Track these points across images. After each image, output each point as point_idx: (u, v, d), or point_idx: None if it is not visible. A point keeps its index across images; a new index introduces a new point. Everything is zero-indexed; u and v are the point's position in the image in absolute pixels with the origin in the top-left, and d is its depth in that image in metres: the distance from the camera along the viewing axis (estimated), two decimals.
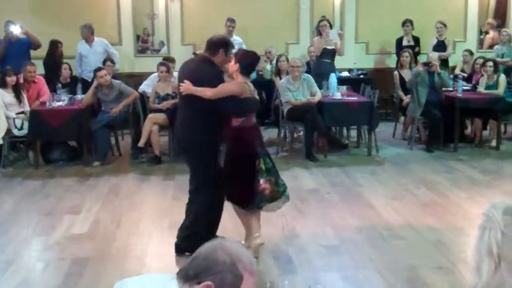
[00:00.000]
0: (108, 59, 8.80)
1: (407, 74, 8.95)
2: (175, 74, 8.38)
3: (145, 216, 5.79)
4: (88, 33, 9.19)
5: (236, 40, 9.98)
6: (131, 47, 10.58)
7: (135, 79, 9.67)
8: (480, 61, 9.10)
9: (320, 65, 9.24)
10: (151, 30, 11.37)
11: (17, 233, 5.35)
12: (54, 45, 9.23)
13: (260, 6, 10.63)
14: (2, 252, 4.91)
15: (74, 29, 9.45)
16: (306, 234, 5.14)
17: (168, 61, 8.42)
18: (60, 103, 7.76)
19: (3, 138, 7.55)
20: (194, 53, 9.86)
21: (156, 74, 8.48)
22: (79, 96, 8.17)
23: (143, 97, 8.17)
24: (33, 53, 9.06)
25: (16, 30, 8.87)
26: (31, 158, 7.84)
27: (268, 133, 9.06)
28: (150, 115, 7.77)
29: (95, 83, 7.81)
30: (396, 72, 9.28)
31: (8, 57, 8.66)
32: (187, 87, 4.47)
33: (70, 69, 8.92)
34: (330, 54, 9.25)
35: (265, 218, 5.55)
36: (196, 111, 4.53)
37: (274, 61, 9.71)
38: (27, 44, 8.92)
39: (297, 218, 5.56)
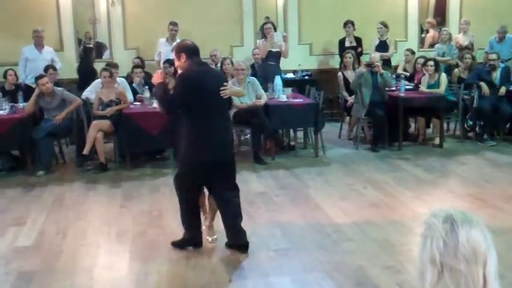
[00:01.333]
0: (51, 67, 8.60)
1: (350, 75, 9.08)
2: (118, 80, 8.30)
3: (92, 226, 5.69)
4: (42, 39, 9.04)
5: None
6: (72, 53, 10.38)
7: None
8: (421, 60, 9.31)
9: (266, 68, 9.29)
10: (93, 34, 11.22)
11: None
12: None
13: (202, 9, 10.61)
14: None
15: (12, 35, 9.22)
16: (256, 238, 5.14)
17: (111, 66, 8.31)
18: (1, 112, 7.55)
19: None
20: (139, 58, 9.78)
21: (99, 80, 8.37)
22: (20, 105, 7.97)
23: (86, 103, 8.03)
24: None
25: None
26: None
27: None
28: (94, 122, 7.65)
29: (36, 91, 7.63)
30: (340, 73, 9.40)
31: None
32: (233, 90, 5.01)
33: (16, 75, 8.67)
34: (275, 56, 9.32)
35: (214, 223, 5.57)
36: (228, 115, 5.04)
37: (219, 64, 9.70)
38: None
39: (246, 222, 5.52)
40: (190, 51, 4.67)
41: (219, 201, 4.93)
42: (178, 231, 5.34)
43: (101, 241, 5.30)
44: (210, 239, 5.09)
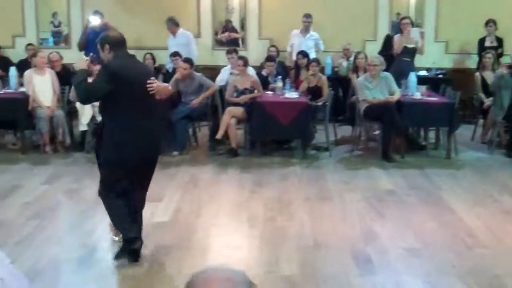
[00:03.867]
0: (178, 54, 8.85)
1: (489, 76, 8.72)
2: (251, 69, 8.49)
3: (224, 208, 5.90)
4: (171, 26, 9.38)
5: (313, 35, 9.98)
6: (209, 40, 10.72)
7: (212, 72, 9.80)
8: None
9: (400, 64, 9.12)
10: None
11: (102, 219, 5.53)
12: None
13: (337, 2, 10.58)
14: (89, 237, 5.11)
15: (155, 21, 9.69)
16: (386, 235, 5.10)
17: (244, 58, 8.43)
18: None
19: (87, 124, 7.82)
20: (274, 46, 9.91)
21: (227, 67, 8.62)
22: None
23: (222, 90, 8.28)
24: None
25: (94, 20, 9.17)
26: None
27: (342, 131, 9.03)
28: (229, 108, 7.88)
29: (176, 75, 7.97)
30: (477, 74, 9.04)
31: (94, 45, 8.91)
32: (161, 86, 4.65)
33: (153, 59, 9.11)
34: (410, 52, 9.12)
35: (341, 217, 5.61)
36: (158, 113, 4.71)
37: (352, 58, 9.65)
38: None
39: (375, 219, 5.53)
40: (114, 42, 4.44)
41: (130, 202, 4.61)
42: (307, 220, 5.43)
43: (232, 223, 5.49)
44: None
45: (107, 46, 4.43)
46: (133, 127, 4.38)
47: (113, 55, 4.42)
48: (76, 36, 10.16)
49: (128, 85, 4.30)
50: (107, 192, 4.56)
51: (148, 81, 4.46)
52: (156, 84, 4.52)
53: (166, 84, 5.01)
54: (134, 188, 4.62)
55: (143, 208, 4.78)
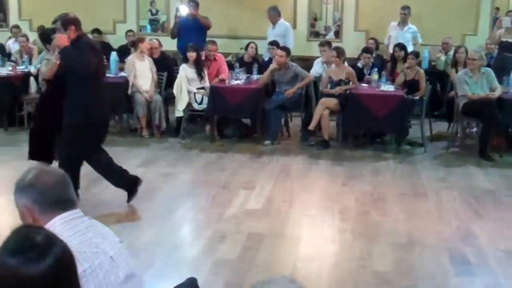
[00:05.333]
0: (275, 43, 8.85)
1: None
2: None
3: (316, 199, 5.88)
4: (274, 15, 9.37)
5: (411, 28, 9.75)
6: (304, 31, 10.69)
7: (306, 62, 9.76)
8: None
9: (501, 59, 8.76)
10: (319, 15, 11.45)
11: (196, 204, 5.67)
12: None
13: None
14: (183, 222, 5.25)
15: (251, 10, 9.75)
16: (484, 236, 4.92)
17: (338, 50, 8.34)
18: (237, 82, 8.07)
19: (183, 110, 8.00)
20: (374, 39, 9.77)
21: (319, 59, 8.57)
22: (255, 76, 8.43)
23: (316, 81, 8.24)
24: (212, 31, 9.42)
25: (183, 10, 9.37)
26: (207, 132, 8.24)
27: (438, 126, 8.79)
28: (322, 99, 7.83)
29: (272, 65, 8.01)
30: None
31: (185, 34, 9.12)
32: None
33: (256, 48, 9.15)
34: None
35: (437, 215, 5.48)
36: None
37: (451, 52, 9.36)
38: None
39: (472, 219, 5.36)
40: (79, 23, 5.05)
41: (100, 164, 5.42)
42: (401, 216, 5.34)
43: (324, 215, 5.46)
44: None
45: (72, 27, 5.00)
46: (101, 93, 5.29)
47: (80, 33, 5.06)
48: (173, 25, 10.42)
49: (99, 58, 5.26)
50: (78, 147, 5.27)
51: None
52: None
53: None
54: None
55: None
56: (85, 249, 1.92)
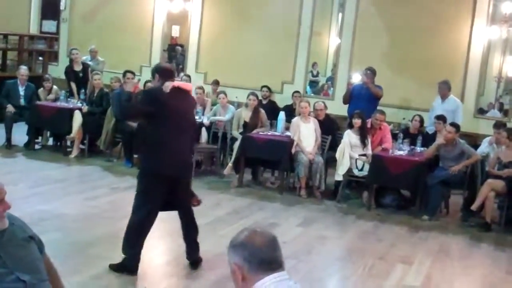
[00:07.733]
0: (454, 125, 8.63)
1: None
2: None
3: (477, 285, 5.67)
4: (445, 89, 9.27)
5: None
6: (472, 107, 10.43)
7: (471, 139, 9.46)
8: None
9: None
10: (482, 91, 11.11)
11: (354, 272, 5.67)
12: None
13: None
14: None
15: (421, 82, 9.76)
16: None
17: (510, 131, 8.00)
18: (401, 152, 8.05)
19: (343, 175, 8.11)
20: None
21: (488, 138, 8.33)
22: (418, 149, 8.35)
23: (483, 161, 8.00)
24: (384, 99, 9.47)
25: (355, 77, 9.61)
26: (364, 199, 8.24)
27: None
28: (489, 180, 7.55)
29: (439, 140, 7.91)
30: None
31: (357, 100, 9.25)
32: None
33: (421, 120, 9.03)
34: None
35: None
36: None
37: None
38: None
39: None
40: (164, 73, 5.08)
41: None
42: None
43: None
44: None
45: (157, 76, 5.10)
46: (172, 146, 4.98)
47: (161, 83, 5.06)
48: (339, 88, 10.67)
49: (168, 108, 4.91)
50: (145, 197, 5.09)
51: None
52: None
53: None
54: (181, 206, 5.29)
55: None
56: None
